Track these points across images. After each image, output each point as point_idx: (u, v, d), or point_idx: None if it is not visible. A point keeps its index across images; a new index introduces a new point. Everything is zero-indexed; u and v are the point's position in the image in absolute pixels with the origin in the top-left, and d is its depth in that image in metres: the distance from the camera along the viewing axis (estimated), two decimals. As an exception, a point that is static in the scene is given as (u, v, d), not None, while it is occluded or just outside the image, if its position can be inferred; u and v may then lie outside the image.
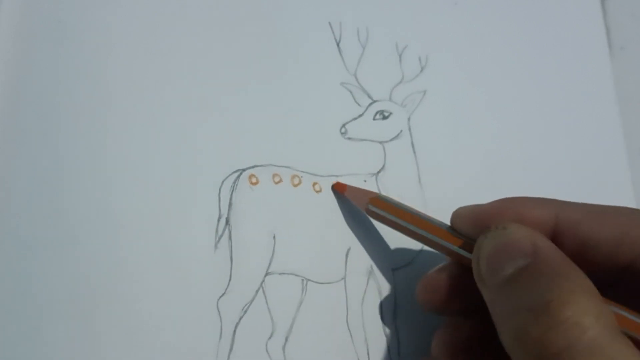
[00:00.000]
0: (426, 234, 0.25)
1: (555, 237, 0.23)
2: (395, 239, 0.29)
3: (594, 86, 0.35)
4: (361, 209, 0.28)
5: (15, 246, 0.24)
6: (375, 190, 0.29)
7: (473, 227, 0.24)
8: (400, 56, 0.31)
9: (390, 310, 0.28)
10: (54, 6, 0.27)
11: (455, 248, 0.24)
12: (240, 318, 0.26)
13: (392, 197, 0.27)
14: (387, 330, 0.28)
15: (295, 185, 0.28)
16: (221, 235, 0.26)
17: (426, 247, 0.29)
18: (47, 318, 0.24)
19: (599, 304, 0.19)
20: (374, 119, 0.30)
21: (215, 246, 0.26)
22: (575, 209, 0.23)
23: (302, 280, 0.27)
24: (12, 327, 0.24)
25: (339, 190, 0.28)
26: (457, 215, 0.25)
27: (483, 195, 0.27)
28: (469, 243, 0.24)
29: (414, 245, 0.29)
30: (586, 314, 0.18)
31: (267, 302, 0.26)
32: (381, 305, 0.28)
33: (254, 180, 0.27)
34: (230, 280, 0.26)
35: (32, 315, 0.24)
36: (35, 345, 0.24)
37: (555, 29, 0.35)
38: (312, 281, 0.27)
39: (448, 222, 0.25)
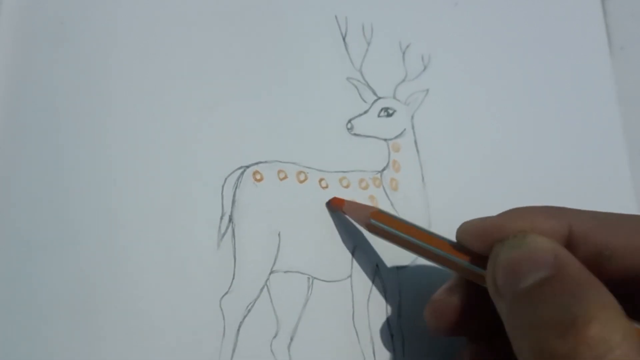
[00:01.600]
0: (432, 249, 0.24)
1: (569, 247, 0.22)
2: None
3: (594, 86, 0.35)
4: (361, 224, 0.26)
5: (15, 246, 0.24)
6: (380, 189, 0.29)
7: (482, 242, 0.22)
8: (403, 54, 0.31)
9: (395, 309, 0.28)
10: (55, 6, 0.27)
11: (464, 262, 0.23)
12: (244, 317, 0.26)
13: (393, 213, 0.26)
14: (393, 329, 0.27)
15: (301, 182, 0.28)
16: (224, 233, 0.26)
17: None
18: (47, 318, 0.24)
19: (625, 321, 0.18)
20: (378, 115, 0.30)
21: (218, 244, 0.26)
22: (588, 218, 0.22)
23: (308, 278, 0.27)
24: (12, 327, 0.23)
25: (336, 205, 0.27)
26: (463, 230, 0.23)
27: (485, 193, 0.27)
28: (478, 257, 0.23)
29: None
30: (613, 331, 0.17)
31: (271, 301, 0.26)
32: (386, 303, 0.28)
33: (258, 177, 0.27)
34: (233, 278, 0.26)
35: (32, 315, 0.24)
36: (35, 345, 0.23)
37: (556, 29, 0.35)
38: (318, 279, 0.27)
39: (453, 237, 0.24)
